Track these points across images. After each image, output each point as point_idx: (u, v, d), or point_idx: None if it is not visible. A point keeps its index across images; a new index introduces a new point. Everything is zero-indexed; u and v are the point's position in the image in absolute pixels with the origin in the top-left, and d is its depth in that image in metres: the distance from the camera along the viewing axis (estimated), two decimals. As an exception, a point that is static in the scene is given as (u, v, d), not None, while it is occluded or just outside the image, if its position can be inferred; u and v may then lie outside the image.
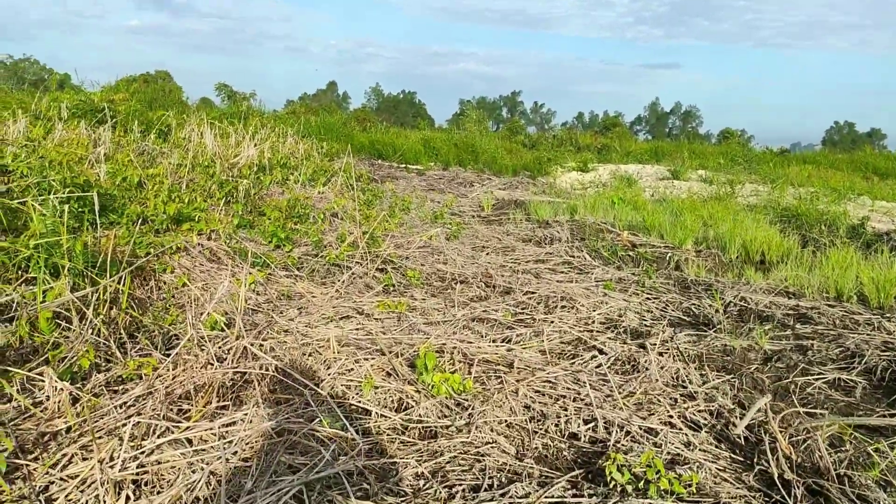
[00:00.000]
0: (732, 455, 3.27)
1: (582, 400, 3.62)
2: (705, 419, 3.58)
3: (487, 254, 8.00)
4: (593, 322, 5.45)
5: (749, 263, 9.43)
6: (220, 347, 3.63)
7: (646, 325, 5.57)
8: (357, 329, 4.78)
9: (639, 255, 8.90)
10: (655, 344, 4.92)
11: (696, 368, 4.37)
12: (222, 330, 4.03)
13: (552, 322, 5.28)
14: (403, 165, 18.90)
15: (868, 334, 5.44)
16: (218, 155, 9.74)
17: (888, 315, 6.16)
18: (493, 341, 4.72)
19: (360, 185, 13.15)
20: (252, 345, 3.68)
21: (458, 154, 20.23)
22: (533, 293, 6.09)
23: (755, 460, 3.19)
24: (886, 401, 4.24)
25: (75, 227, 5.18)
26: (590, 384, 3.76)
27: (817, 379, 4.48)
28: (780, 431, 3.30)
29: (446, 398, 3.64)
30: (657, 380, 4.00)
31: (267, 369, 3.48)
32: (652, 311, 6.04)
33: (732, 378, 4.42)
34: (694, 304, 6.33)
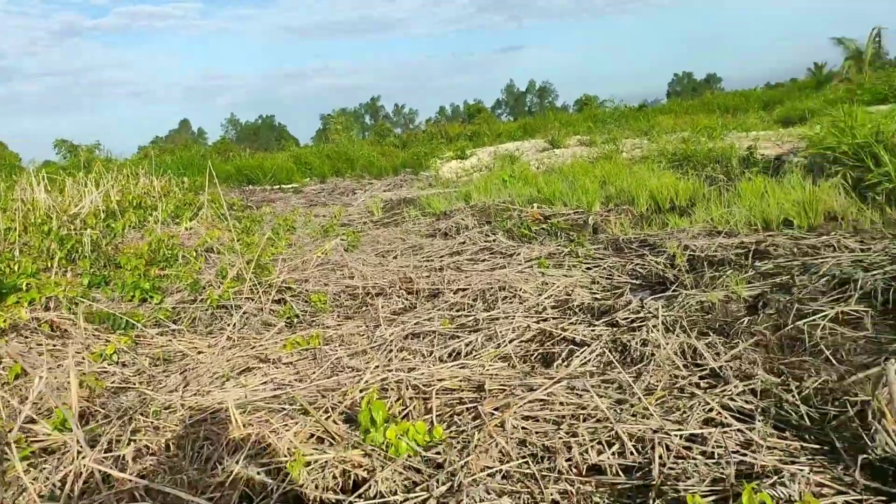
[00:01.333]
0: (816, 447, 2.41)
1: (591, 416, 2.65)
2: (750, 403, 2.71)
3: (395, 257, 6.92)
4: (544, 308, 4.52)
5: (661, 213, 8.92)
6: (49, 479, 2.34)
7: (600, 299, 4.72)
8: (264, 384, 3.59)
9: (553, 226, 8.13)
10: (628, 319, 4.06)
11: (694, 337, 3.52)
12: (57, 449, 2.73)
13: (499, 319, 4.30)
14: (278, 186, 17.40)
15: (834, 257, 4.86)
16: (54, 208, 8.07)
17: (832, 234, 5.66)
18: (441, 360, 3.67)
19: (235, 213, 11.70)
20: (104, 459, 2.42)
21: (333, 165, 18.93)
22: (464, 290, 5.09)
23: (844, 447, 2.35)
24: (906, 326, 3.59)
25: None
26: (592, 391, 2.79)
27: (821, 318, 3.76)
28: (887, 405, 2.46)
29: (411, 457, 2.56)
30: (666, 363, 3.11)
31: (134, 498, 2.24)
32: (599, 282, 5.21)
33: (733, 340, 3.63)
34: (639, 265, 5.57)
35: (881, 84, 20.22)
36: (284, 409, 3.07)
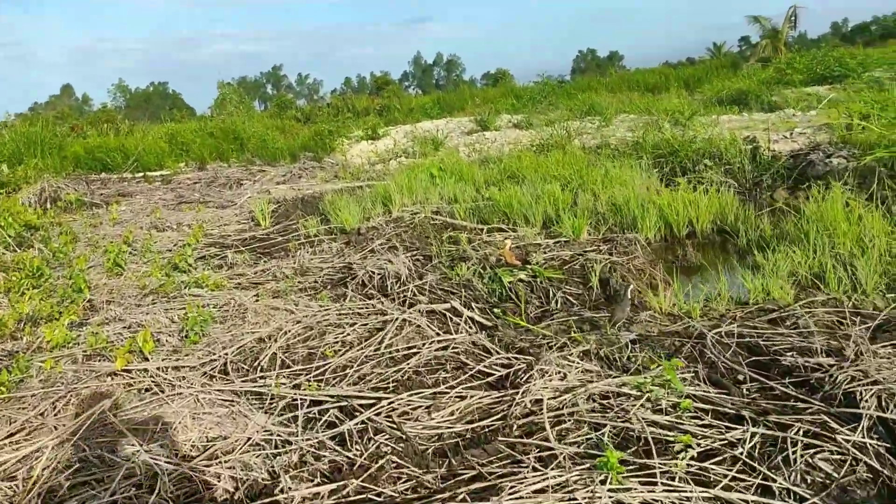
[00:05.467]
0: None
1: None
2: None
3: (269, 366, 3.37)
4: None
5: (678, 244, 5.81)
6: None
7: None
8: None
9: (537, 275, 4.77)
10: None
11: None
12: None
13: None
14: (142, 174, 13.05)
15: None
16: None
17: None
18: None
19: (46, 226, 7.55)
20: None
21: (216, 146, 14.62)
22: None
23: None
24: None
25: None
26: None
27: None
28: None
29: None
30: None
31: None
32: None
33: None
34: (813, 449, 2.32)
35: (817, 64, 18.07)
36: None
